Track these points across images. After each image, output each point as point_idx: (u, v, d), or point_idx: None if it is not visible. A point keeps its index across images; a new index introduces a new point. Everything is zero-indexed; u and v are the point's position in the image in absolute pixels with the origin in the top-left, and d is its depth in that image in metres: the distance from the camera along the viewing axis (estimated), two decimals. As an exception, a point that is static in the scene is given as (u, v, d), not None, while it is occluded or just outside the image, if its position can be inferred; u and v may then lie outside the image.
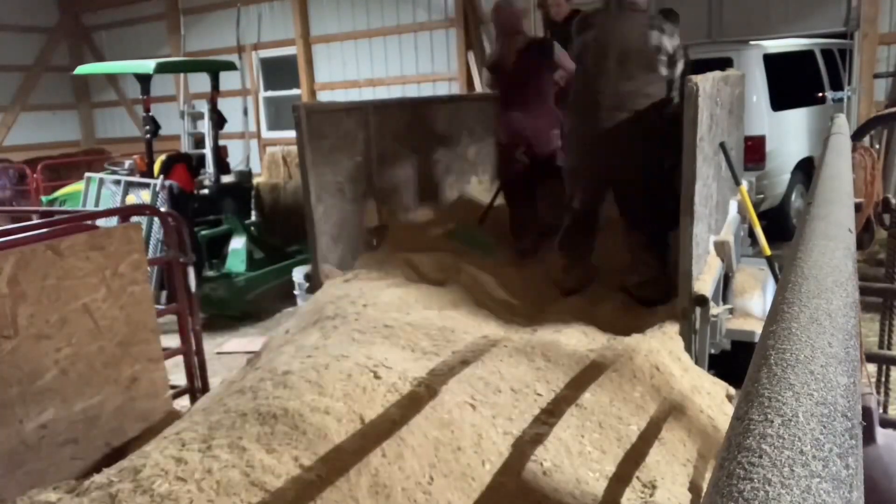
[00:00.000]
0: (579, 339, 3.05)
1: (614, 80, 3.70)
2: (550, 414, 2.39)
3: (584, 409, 2.44)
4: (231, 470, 1.88)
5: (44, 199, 8.68)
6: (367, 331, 3.08)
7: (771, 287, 4.22)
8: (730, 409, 2.68)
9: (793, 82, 7.24)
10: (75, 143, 14.70)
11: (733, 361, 3.37)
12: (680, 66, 3.85)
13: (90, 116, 15.21)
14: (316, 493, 1.81)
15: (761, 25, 8.21)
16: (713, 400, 2.81)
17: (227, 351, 5.70)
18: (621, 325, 3.47)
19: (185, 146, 8.01)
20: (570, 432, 2.29)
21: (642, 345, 2.86)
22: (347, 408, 2.16)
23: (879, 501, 1.80)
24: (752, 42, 7.06)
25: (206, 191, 7.11)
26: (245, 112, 9.14)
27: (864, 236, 4.44)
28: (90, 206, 6.74)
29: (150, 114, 6.87)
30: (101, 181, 7.00)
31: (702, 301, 3.12)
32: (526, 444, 2.20)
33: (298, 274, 4.52)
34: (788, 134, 7.17)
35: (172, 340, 3.69)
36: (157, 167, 6.88)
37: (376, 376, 2.48)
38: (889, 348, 3.04)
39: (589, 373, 2.66)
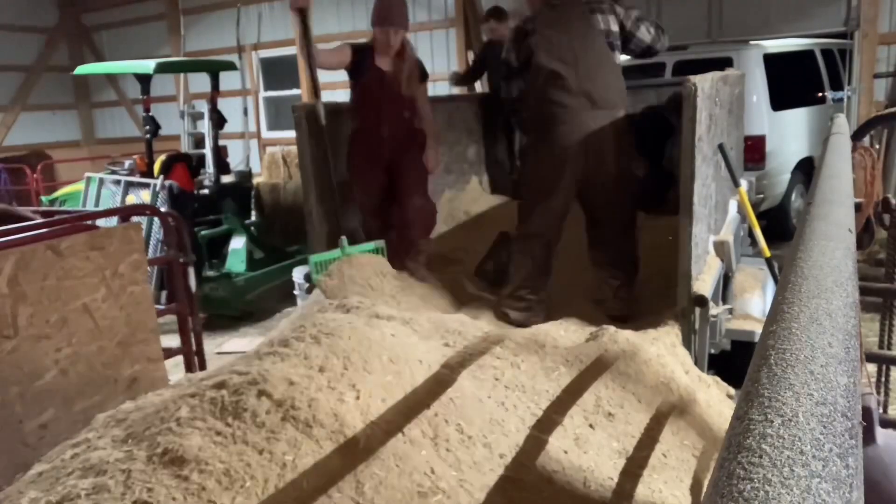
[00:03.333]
0: (580, 336, 3.04)
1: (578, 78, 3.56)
2: (557, 410, 2.39)
3: (588, 406, 2.44)
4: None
5: (44, 199, 8.69)
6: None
7: (771, 287, 4.23)
8: (730, 409, 2.68)
9: (793, 82, 7.24)
10: (75, 143, 14.71)
11: (733, 361, 3.37)
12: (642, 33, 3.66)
13: (90, 116, 15.21)
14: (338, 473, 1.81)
15: (761, 25, 8.22)
16: (713, 400, 2.81)
17: (227, 351, 5.70)
18: (622, 322, 3.48)
19: (185, 146, 8.01)
20: (576, 428, 2.29)
21: (644, 344, 2.86)
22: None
23: (879, 501, 1.80)
24: (752, 42, 7.06)
25: (206, 191, 7.11)
26: (245, 112, 9.15)
27: (864, 236, 4.43)
28: (90, 206, 6.74)
29: (150, 114, 6.87)
30: (101, 181, 7.00)
31: (701, 301, 3.12)
32: (537, 439, 2.20)
33: (298, 274, 4.51)
34: (788, 134, 7.17)
35: (172, 340, 3.69)
36: (157, 167, 6.88)
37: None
38: (889, 348, 3.04)
39: (592, 371, 2.66)
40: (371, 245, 4.01)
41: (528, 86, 3.71)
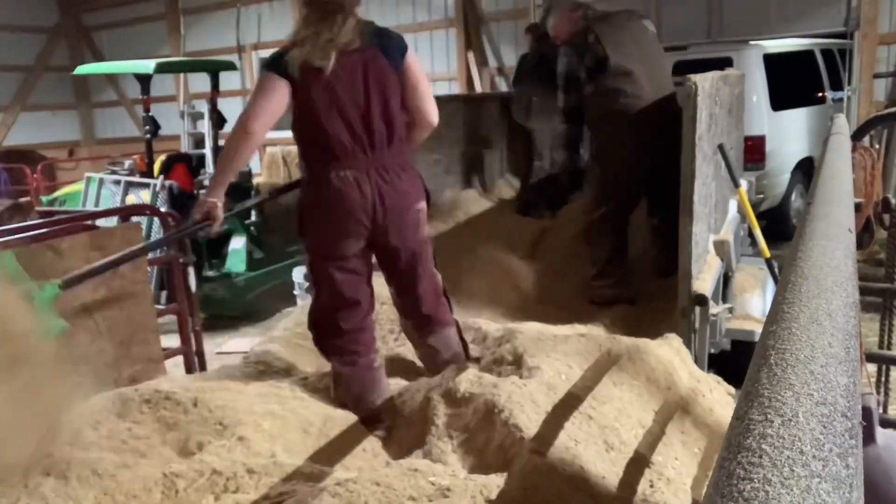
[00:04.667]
0: (583, 335, 3.04)
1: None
2: (561, 407, 2.40)
3: (590, 404, 2.43)
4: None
5: (44, 199, 8.68)
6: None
7: (771, 287, 4.22)
8: (730, 409, 2.68)
9: (793, 82, 7.24)
10: (75, 143, 14.71)
11: (733, 361, 3.37)
12: None
13: (90, 116, 15.20)
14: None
15: (761, 25, 8.21)
16: (714, 400, 2.81)
17: (227, 351, 5.69)
18: (623, 321, 3.48)
19: (185, 146, 8.00)
20: (579, 426, 2.29)
21: (647, 343, 2.86)
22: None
23: (879, 501, 1.80)
24: (752, 42, 7.06)
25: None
26: (245, 112, 9.12)
27: (864, 236, 4.43)
28: (90, 206, 6.73)
29: (150, 114, 6.87)
30: (101, 181, 6.99)
31: (701, 300, 3.12)
32: (540, 437, 2.21)
33: (298, 274, 4.51)
34: (788, 134, 7.17)
35: (172, 340, 3.69)
36: (157, 167, 6.88)
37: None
38: (889, 348, 3.04)
39: (595, 369, 2.66)
40: None
41: (600, 87, 3.91)
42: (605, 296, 3.88)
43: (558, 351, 2.77)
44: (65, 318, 2.73)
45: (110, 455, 2.10)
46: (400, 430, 2.52)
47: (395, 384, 2.81)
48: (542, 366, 2.64)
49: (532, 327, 3.13)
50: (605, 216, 3.98)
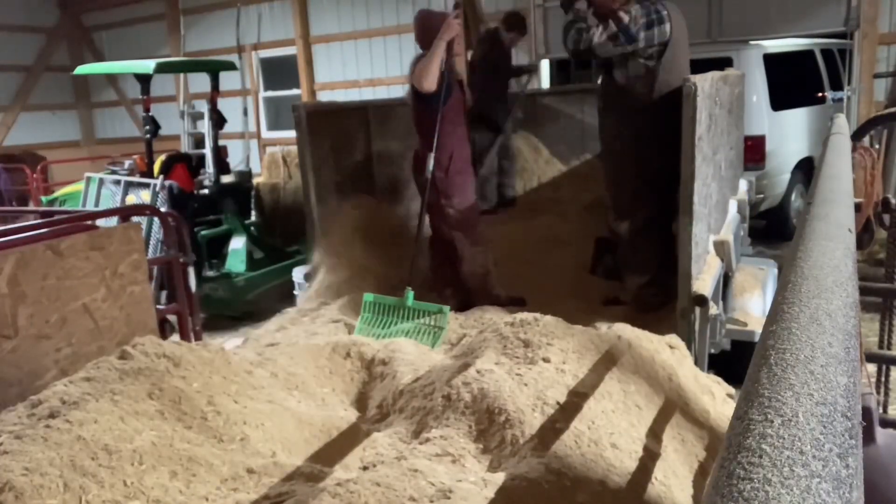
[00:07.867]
0: (584, 333, 3.04)
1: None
2: (563, 405, 2.39)
3: (591, 403, 2.43)
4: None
5: (44, 199, 8.69)
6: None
7: (771, 287, 4.23)
8: (730, 409, 2.68)
9: (793, 82, 7.24)
10: (75, 143, 14.72)
11: (733, 361, 3.37)
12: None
13: (90, 116, 15.20)
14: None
15: (761, 25, 8.21)
16: (714, 400, 2.81)
17: (226, 351, 5.68)
18: (624, 320, 3.48)
19: (185, 146, 8.00)
20: (579, 425, 2.29)
21: (648, 343, 2.86)
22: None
23: (879, 501, 1.80)
24: (752, 42, 7.06)
25: (206, 191, 7.10)
26: (245, 112, 9.13)
27: (864, 236, 4.43)
28: (90, 206, 6.73)
29: (150, 114, 6.87)
30: (101, 181, 7.00)
31: (701, 301, 3.12)
32: (546, 435, 2.21)
33: (298, 274, 4.52)
34: (788, 134, 7.17)
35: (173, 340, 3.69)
36: (157, 167, 6.88)
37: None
38: (889, 348, 3.04)
39: (595, 368, 2.66)
40: (436, 306, 3.65)
41: (652, 69, 3.68)
42: (654, 304, 3.66)
43: (563, 346, 2.77)
44: (65, 318, 2.73)
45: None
46: (400, 429, 2.52)
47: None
48: (551, 356, 2.63)
49: (542, 318, 3.11)
50: (648, 220, 3.72)
